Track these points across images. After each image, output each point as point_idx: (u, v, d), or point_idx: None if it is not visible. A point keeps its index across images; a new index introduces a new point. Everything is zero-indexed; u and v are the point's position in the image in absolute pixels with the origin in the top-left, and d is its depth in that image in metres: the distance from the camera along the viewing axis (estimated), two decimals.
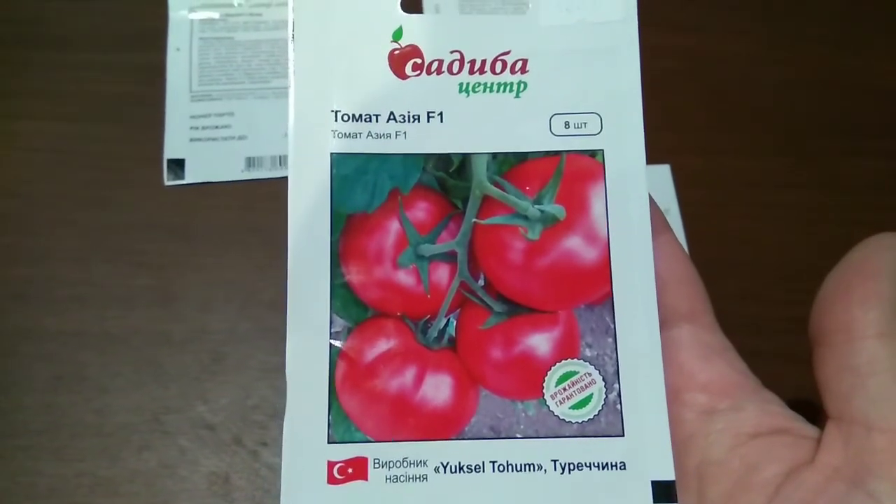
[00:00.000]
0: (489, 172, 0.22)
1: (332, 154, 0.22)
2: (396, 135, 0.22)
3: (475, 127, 0.22)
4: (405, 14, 0.23)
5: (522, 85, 0.23)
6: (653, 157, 0.38)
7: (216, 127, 0.37)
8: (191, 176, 0.36)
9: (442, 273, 0.22)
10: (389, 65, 0.23)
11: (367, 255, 0.22)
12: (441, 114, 0.22)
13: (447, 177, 0.22)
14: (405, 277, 0.22)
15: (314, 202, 0.22)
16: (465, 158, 0.22)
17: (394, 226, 0.22)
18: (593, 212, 0.22)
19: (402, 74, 0.23)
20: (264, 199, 0.36)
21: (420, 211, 0.22)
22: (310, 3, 0.23)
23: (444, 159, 0.22)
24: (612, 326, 0.21)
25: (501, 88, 0.23)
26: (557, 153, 0.22)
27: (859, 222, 0.38)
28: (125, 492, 0.30)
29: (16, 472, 0.30)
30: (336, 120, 0.22)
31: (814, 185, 0.39)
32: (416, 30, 0.23)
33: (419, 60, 0.23)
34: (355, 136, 0.22)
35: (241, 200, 0.36)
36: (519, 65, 0.23)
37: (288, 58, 0.22)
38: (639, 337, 0.21)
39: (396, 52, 0.23)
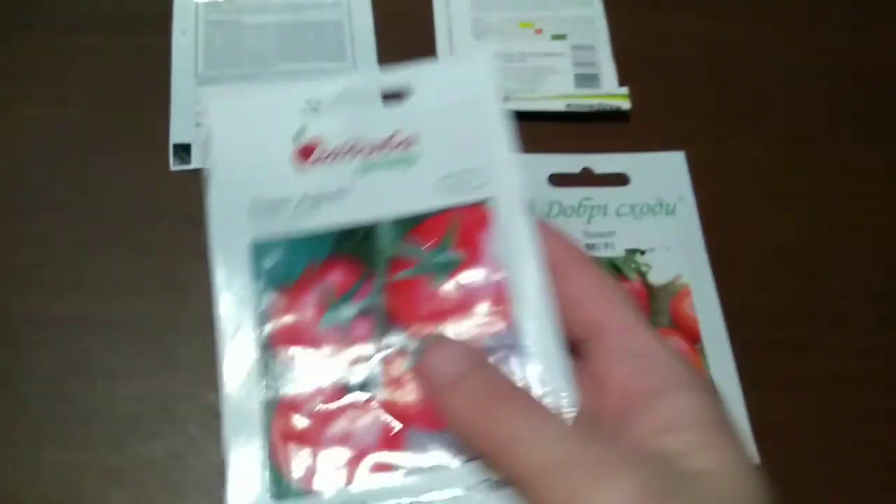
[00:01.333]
0: (392, 235, 0.25)
1: (251, 240, 0.25)
2: (308, 215, 0.25)
3: (376, 199, 0.25)
4: (305, 113, 0.26)
5: (413, 157, 0.26)
6: (667, 143, 0.38)
7: None
8: (197, 161, 0.35)
9: (363, 327, 0.24)
10: (297, 156, 0.26)
11: (293, 325, 0.24)
12: (345, 192, 0.26)
13: (356, 245, 0.25)
14: (330, 337, 0.24)
15: (239, 286, 0.25)
16: (371, 227, 0.25)
17: (313, 294, 0.25)
18: (487, 253, 0.25)
19: (307, 164, 0.26)
20: None
21: (335, 277, 0.25)
22: (225, 107, 0.26)
23: (352, 230, 0.25)
24: (519, 347, 0.23)
25: (395, 163, 0.26)
26: (450, 209, 0.25)
27: (874, 210, 0.38)
28: (133, 481, 0.29)
29: (21, 460, 0.29)
30: (253, 210, 0.25)
31: (829, 173, 0.39)
32: (318, 125, 0.26)
33: (321, 151, 0.26)
34: (271, 220, 0.25)
35: None
36: (408, 141, 0.26)
37: (208, 153, 0.26)
38: (544, 350, 0.23)
39: (302, 145, 0.26)
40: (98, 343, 0.32)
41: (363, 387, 0.24)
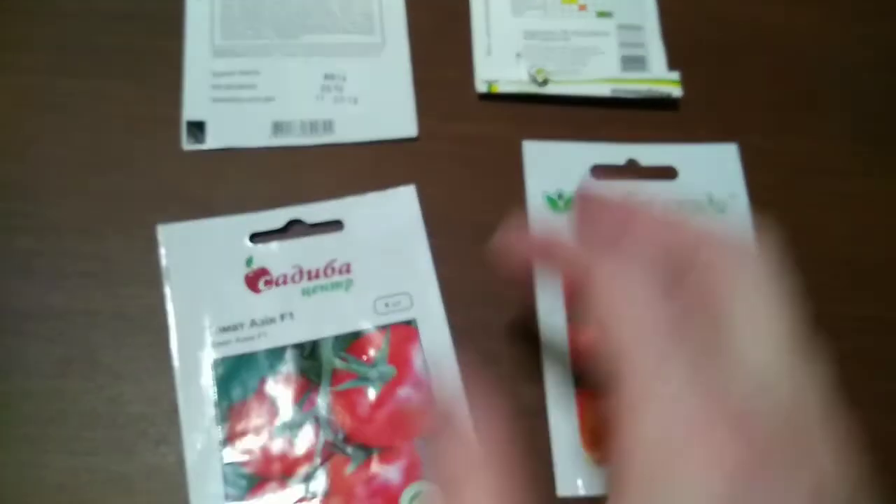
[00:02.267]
0: (335, 350, 0.29)
1: (210, 360, 0.29)
2: (259, 336, 0.29)
3: (319, 319, 0.30)
4: (253, 245, 0.31)
5: (349, 282, 0.31)
6: (718, 134, 0.35)
7: (240, 86, 0.34)
8: (212, 140, 0.33)
9: (310, 435, 0.28)
10: (246, 284, 0.30)
11: (249, 434, 0.28)
12: (291, 313, 0.30)
13: (303, 360, 0.29)
14: (281, 445, 0.28)
15: (201, 400, 0.28)
16: (315, 343, 0.29)
17: (267, 406, 0.28)
18: (415, 366, 0.30)
19: (256, 290, 0.30)
20: (291, 168, 0.33)
21: (286, 390, 0.29)
22: (178, 247, 0.30)
23: (298, 347, 0.29)
24: None
25: (334, 287, 0.30)
26: (384, 327, 0.30)
27: None
28: (141, 489, 0.27)
29: (23, 464, 0.27)
30: (210, 334, 0.29)
31: (891, 174, 0.36)
32: (263, 255, 0.31)
33: (269, 277, 0.30)
34: (226, 343, 0.29)
35: (267, 169, 0.33)
36: (344, 268, 0.31)
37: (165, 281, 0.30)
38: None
39: (250, 274, 0.30)
40: (105, 338, 0.29)
41: (309, 488, 0.28)
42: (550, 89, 0.35)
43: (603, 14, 0.37)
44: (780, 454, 0.17)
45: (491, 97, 0.35)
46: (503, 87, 0.35)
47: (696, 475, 0.17)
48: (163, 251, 0.30)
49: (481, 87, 0.35)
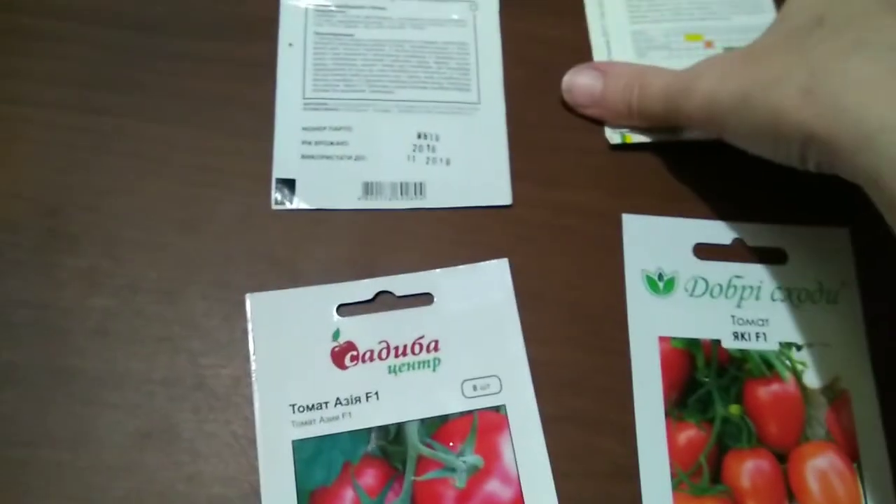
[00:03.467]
0: (420, 435, 0.28)
1: (293, 441, 0.27)
2: (343, 416, 0.28)
3: (405, 399, 0.28)
4: (340, 317, 0.29)
5: (437, 361, 0.29)
6: (823, 217, 0.33)
7: (331, 143, 0.32)
8: (301, 200, 0.31)
9: None
10: (332, 360, 0.29)
11: None
12: (377, 393, 0.28)
13: (387, 444, 0.28)
14: None
15: (282, 484, 0.27)
16: (400, 426, 0.28)
17: (349, 494, 0.27)
18: (504, 458, 0.28)
19: (342, 366, 0.29)
20: (381, 233, 0.31)
21: (369, 477, 0.27)
22: (265, 317, 0.29)
23: (383, 430, 0.28)
24: None
25: (421, 366, 0.29)
26: (471, 412, 0.28)
27: None
28: None
29: None
30: (294, 412, 0.28)
31: None
32: (350, 329, 0.29)
33: (355, 353, 0.29)
34: (310, 422, 0.28)
35: (357, 233, 0.31)
36: (433, 345, 0.29)
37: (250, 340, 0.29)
38: None
39: (336, 349, 0.29)
40: (184, 410, 0.28)
41: None
42: (686, 135, 0.33)
43: (731, 50, 0.35)
44: None
45: (624, 147, 0.34)
46: (636, 138, 0.33)
47: None
48: (250, 321, 0.29)
49: (614, 139, 0.33)
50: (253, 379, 0.28)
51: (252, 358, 0.28)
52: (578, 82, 0.34)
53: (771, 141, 0.28)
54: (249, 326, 0.29)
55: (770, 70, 0.27)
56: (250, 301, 0.29)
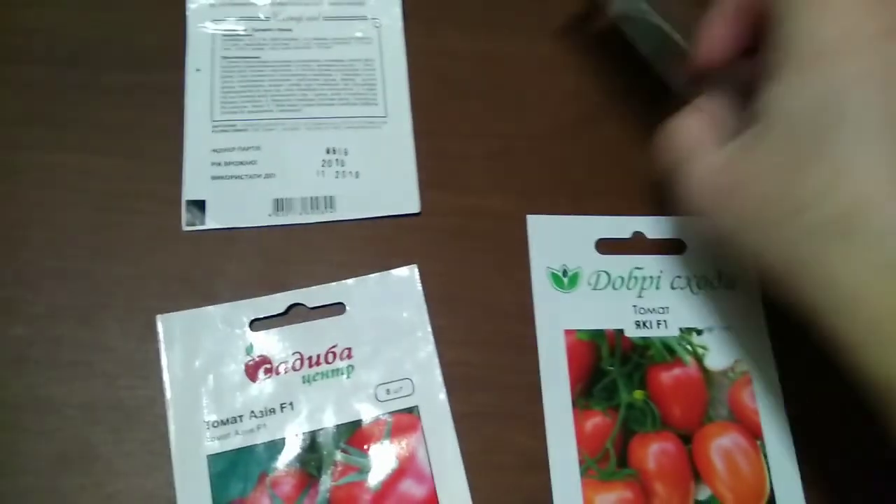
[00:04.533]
0: (335, 441, 0.29)
1: (208, 456, 0.28)
2: (259, 428, 0.29)
3: (320, 408, 0.29)
4: (253, 332, 0.30)
5: (351, 368, 0.30)
6: None
7: (241, 163, 0.33)
8: (212, 220, 0.32)
9: None
10: (246, 374, 0.30)
11: None
12: (291, 403, 0.29)
13: (303, 452, 0.29)
14: None
15: (199, 498, 0.28)
16: (315, 434, 0.29)
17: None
18: (418, 457, 0.29)
19: (255, 379, 0.29)
20: (293, 247, 0.32)
21: (286, 486, 0.28)
22: (177, 337, 0.30)
23: (298, 438, 0.29)
24: None
25: (335, 374, 0.30)
26: (385, 415, 0.29)
27: None
28: None
29: None
30: (208, 427, 0.28)
31: None
32: (263, 343, 0.30)
33: (269, 366, 0.30)
34: (225, 436, 0.28)
35: (268, 249, 0.32)
36: (346, 353, 0.30)
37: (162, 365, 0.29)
38: None
39: (250, 363, 0.30)
40: (102, 432, 0.29)
41: None
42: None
43: None
44: None
45: (493, 169, 0.35)
46: None
47: None
48: (162, 342, 0.30)
49: None
50: (167, 398, 0.29)
51: (166, 377, 0.29)
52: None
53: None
54: (161, 347, 0.30)
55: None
56: (161, 322, 0.30)
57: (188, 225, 0.32)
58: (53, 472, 0.28)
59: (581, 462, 0.30)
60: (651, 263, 0.33)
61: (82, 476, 0.28)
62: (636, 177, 0.35)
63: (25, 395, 0.29)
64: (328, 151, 0.34)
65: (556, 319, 0.32)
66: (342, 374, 0.30)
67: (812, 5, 0.23)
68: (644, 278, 0.33)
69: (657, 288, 0.33)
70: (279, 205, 0.33)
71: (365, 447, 0.29)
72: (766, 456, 0.31)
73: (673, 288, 0.33)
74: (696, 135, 0.28)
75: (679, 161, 0.28)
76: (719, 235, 0.27)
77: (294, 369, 0.30)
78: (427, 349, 0.31)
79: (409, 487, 0.29)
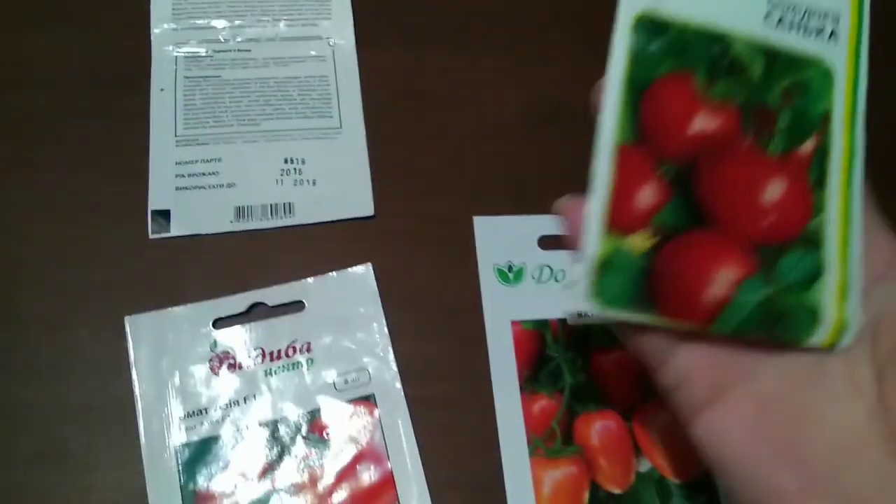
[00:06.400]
0: (297, 429, 0.31)
1: (175, 447, 0.30)
2: (224, 418, 0.31)
3: (282, 397, 0.31)
4: (216, 331, 0.32)
5: (311, 361, 0.32)
6: None
7: (203, 174, 0.35)
8: (177, 228, 0.34)
9: None
10: (210, 370, 0.31)
11: None
12: (254, 395, 0.31)
13: (266, 440, 0.31)
14: None
15: (168, 486, 0.29)
16: (277, 423, 0.31)
17: (231, 489, 0.30)
18: (375, 442, 0.31)
19: (219, 373, 0.31)
20: (255, 251, 0.34)
21: (250, 472, 0.30)
22: (143, 337, 0.32)
23: (262, 427, 0.31)
24: None
25: (295, 367, 0.32)
26: (343, 403, 0.32)
27: None
28: None
29: None
30: (177, 419, 0.30)
31: None
32: (226, 339, 0.32)
33: (232, 361, 0.32)
34: (192, 428, 0.30)
35: (231, 254, 0.34)
36: (305, 347, 0.32)
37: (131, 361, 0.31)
38: None
39: (214, 359, 0.32)
40: (75, 430, 0.30)
41: None
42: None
43: None
44: None
45: (443, 175, 0.37)
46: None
47: None
48: (130, 342, 0.31)
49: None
50: (136, 394, 0.31)
51: (134, 375, 0.31)
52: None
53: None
54: (130, 346, 0.31)
55: None
56: (129, 323, 0.32)
57: (154, 233, 0.34)
58: (29, 468, 0.30)
59: (529, 442, 0.32)
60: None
61: (58, 472, 0.30)
62: (575, 178, 0.37)
63: (1, 398, 0.31)
64: (286, 161, 0.36)
65: (503, 312, 0.34)
66: (302, 366, 0.32)
67: None
68: None
69: None
70: (240, 212, 0.35)
71: (325, 434, 0.31)
72: None
73: None
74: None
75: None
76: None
77: (257, 363, 0.32)
78: (382, 341, 0.33)
79: (367, 470, 0.31)
